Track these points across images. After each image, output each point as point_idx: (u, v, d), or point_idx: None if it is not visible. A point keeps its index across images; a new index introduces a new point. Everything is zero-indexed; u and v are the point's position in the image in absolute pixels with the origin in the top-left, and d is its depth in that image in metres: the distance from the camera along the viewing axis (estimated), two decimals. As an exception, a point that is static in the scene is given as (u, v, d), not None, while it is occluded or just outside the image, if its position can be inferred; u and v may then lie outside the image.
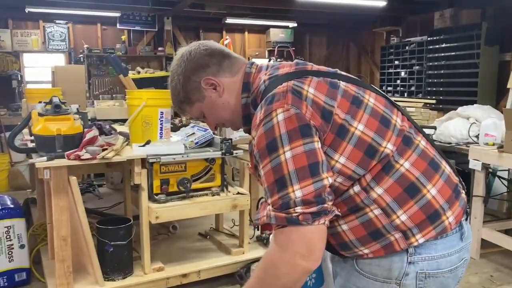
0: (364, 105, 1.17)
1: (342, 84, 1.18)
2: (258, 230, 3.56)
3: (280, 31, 8.80)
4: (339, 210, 1.12)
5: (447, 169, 1.23)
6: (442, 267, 1.17)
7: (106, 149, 2.75)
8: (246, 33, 8.99)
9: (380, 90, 1.29)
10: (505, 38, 6.35)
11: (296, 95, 1.11)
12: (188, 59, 1.29)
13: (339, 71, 1.27)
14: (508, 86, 5.99)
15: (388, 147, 1.14)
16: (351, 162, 1.11)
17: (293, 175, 1.05)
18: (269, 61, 8.48)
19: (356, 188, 1.13)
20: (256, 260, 3.11)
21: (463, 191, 1.26)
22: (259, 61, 1.39)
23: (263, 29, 8.97)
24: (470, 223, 3.64)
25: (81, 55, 7.50)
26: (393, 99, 1.36)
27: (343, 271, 1.26)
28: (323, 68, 1.26)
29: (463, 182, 1.29)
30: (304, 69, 1.22)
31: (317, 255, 1.06)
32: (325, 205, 1.06)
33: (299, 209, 1.04)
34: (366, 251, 1.17)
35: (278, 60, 8.51)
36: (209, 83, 1.28)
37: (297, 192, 1.04)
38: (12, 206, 3.12)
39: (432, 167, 1.18)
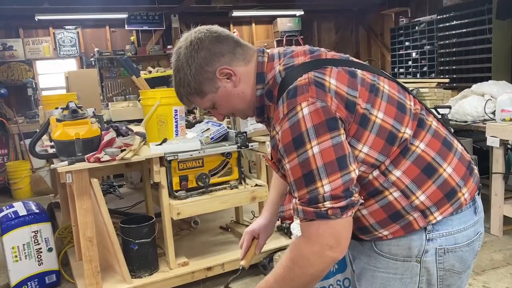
0: (381, 92, 1.17)
1: (359, 72, 1.18)
2: (278, 220, 3.58)
3: (287, 20, 8.75)
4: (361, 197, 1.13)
5: (459, 147, 1.24)
6: (459, 242, 1.18)
7: (124, 150, 2.81)
8: (254, 24, 8.97)
9: (389, 75, 1.30)
10: (518, 10, 6.22)
11: (319, 88, 1.09)
12: (200, 47, 1.18)
13: (351, 58, 1.27)
14: (523, 60, 5.89)
15: (407, 132, 1.15)
16: (374, 151, 1.12)
17: (322, 170, 1.05)
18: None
19: (375, 172, 1.14)
20: (278, 249, 3.14)
21: (476, 167, 1.27)
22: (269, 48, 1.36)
23: (270, 20, 8.94)
24: (491, 200, 3.63)
25: (92, 59, 7.58)
26: (406, 80, 1.37)
27: (361, 254, 1.28)
28: (336, 55, 1.25)
29: (473, 159, 1.30)
30: (319, 58, 1.20)
31: (344, 245, 1.08)
32: (353, 198, 1.07)
33: (328, 204, 1.05)
34: (385, 233, 1.19)
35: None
36: (224, 73, 1.20)
37: (325, 186, 1.05)
38: (37, 211, 3.21)
39: (446, 146, 1.19)
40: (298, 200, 1.09)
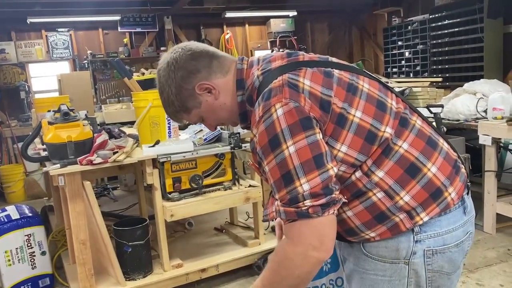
0: (360, 91, 1.17)
1: (336, 72, 1.19)
2: (273, 221, 3.59)
3: (280, 21, 8.76)
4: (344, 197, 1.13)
5: (445, 146, 1.24)
6: (448, 242, 1.18)
7: (117, 152, 2.80)
8: (247, 25, 8.97)
9: (371, 74, 1.30)
10: (508, 9, 6.26)
11: (293, 88, 1.11)
12: (176, 67, 1.23)
13: (330, 58, 1.27)
14: (514, 58, 5.94)
15: (387, 131, 1.15)
16: (353, 150, 1.12)
17: (299, 169, 1.05)
18: (272, 51, 8.47)
19: (358, 173, 1.14)
20: (272, 250, 3.14)
21: (463, 166, 1.27)
22: (257, 53, 1.37)
23: (264, 21, 8.94)
24: (484, 198, 3.65)
25: (85, 61, 7.55)
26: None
27: (350, 256, 1.28)
28: (314, 56, 1.26)
29: (461, 157, 1.30)
30: (296, 60, 1.21)
31: (329, 245, 1.08)
32: (333, 195, 1.07)
33: (308, 202, 1.05)
34: (372, 234, 1.18)
35: (281, 50, 8.49)
36: (203, 88, 1.24)
37: (304, 185, 1.05)
38: (30, 214, 3.20)
39: (430, 145, 1.19)
40: (280, 201, 1.09)
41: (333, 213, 1.08)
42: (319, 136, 1.09)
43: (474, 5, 6.28)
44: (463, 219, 1.21)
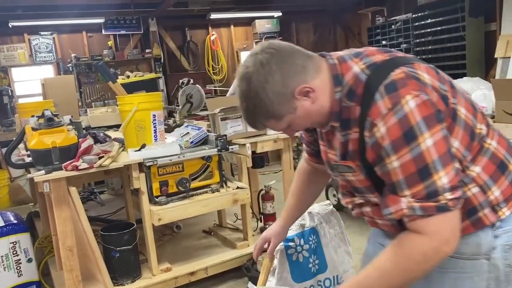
0: (457, 89, 1.19)
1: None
2: (261, 221, 3.60)
3: (265, 22, 8.78)
4: None
5: None
6: None
7: (103, 156, 2.78)
8: (232, 26, 8.97)
9: None
10: (489, 8, 6.36)
11: (418, 81, 1.08)
12: (273, 69, 1.10)
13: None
14: (495, 56, 6.04)
15: (483, 128, 1.18)
16: (462, 146, 1.13)
17: (437, 162, 1.04)
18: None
19: None
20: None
21: None
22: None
23: (249, 22, 8.95)
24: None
25: (70, 65, 7.47)
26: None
27: None
28: (407, 55, 1.25)
29: None
30: (398, 55, 1.19)
31: (458, 238, 1.08)
32: (463, 188, 1.09)
33: (448, 196, 1.04)
34: None
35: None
36: (303, 92, 1.13)
37: (443, 178, 1.04)
38: (15, 221, 3.15)
39: (510, 145, 1.23)
40: (412, 197, 1.06)
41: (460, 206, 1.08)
42: (447, 129, 1.09)
43: (456, 4, 6.37)
44: None
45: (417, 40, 7.24)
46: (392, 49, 1.24)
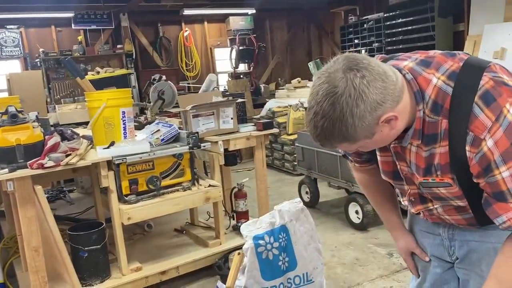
0: None
1: None
2: (233, 219, 3.59)
3: (240, 19, 8.75)
4: None
5: None
6: None
7: (70, 154, 2.71)
8: (206, 23, 8.90)
9: None
10: (457, 8, 6.52)
11: (507, 86, 1.08)
12: (363, 95, 1.01)
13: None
14: (463, 56, 6.19)
15: None
16: None
17: None
18: (238, 48, 8.40)
19: None
20: (234, 249, 3.13)
21: None
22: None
23: (223, 18, 8.90)
24: None
25: (38, 60, 7.27)
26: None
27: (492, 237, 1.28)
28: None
29: None
30: (466, 59, 1.16)
31: None
32: None
33: None
34: None
35: (243, 47, 8.46)
36: (388, 120, 1.06)
37: None
38: (-22, 222, 3.05)
39: None
40: None
41: None
42: None
43: (426, 4, 6.50)
44: None
45: (389, 39, 7.36)
46: (455, 52, 1.20)
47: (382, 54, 1.30)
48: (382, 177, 1.38)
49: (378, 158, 1.35)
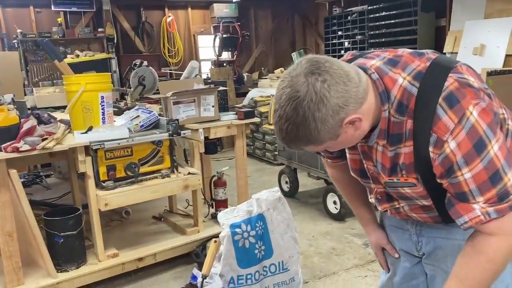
0: None
1: None
2: (212, 207, 3.59)
3: (224, 6, 8.68)
4: None
5: None
6: None
7: (47, 138, 2.66)
8: (190, 9, 8.80)
9: None
10: (440, 4, 6.59)
11: (472, 87, 1.08)
12: (326, 99, 1.02)
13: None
14: (444, 51, 6.29)
15: (510, 123, 1.19)
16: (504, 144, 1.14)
17: (505, 165, 1.06)
18: (222, 35, 8.35)
19: None
20: (212, 237, 3.14)
21: None
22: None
23: (207, 5, 8.82)
24: None
25: (15, 41, 7.08)
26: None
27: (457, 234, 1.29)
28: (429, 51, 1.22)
29: None
30: (434, 58, 1.16)
31: None
32: None
33: None
34: None
35: (227, 35, 8.40)
36: (352, 121, 1.07)
37: None
38: (-50, 205, 2.97)
39: None
40: (484, 202, 1.08)
41: None
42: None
43: (409, -1, 6.55)
44: None
45: (372, 32, 7.40)
46: (423, 51, 1.20)
47: (358, 49, 1.31)
48: (351, 174, 1.40)
49: (347, 155, 1.36)
